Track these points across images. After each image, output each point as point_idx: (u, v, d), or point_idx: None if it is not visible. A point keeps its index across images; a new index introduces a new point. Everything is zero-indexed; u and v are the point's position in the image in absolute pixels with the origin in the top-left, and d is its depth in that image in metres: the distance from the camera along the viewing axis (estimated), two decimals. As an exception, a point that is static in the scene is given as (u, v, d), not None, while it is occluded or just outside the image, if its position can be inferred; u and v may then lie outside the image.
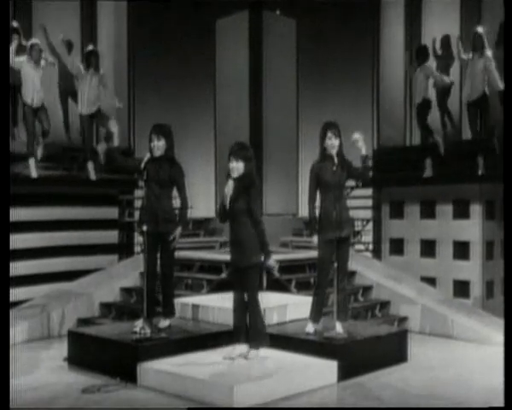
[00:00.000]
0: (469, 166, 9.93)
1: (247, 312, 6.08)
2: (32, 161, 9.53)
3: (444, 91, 10.64)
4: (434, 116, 10.73)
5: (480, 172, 9.93)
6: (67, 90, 10.59)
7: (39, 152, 9.72)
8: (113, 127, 6.81)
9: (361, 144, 6.43)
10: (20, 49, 9.58)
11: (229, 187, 5.89)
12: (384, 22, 11.85)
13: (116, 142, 6.74)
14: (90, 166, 10.16)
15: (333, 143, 6.44)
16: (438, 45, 10.84)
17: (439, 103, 10.69)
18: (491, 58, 9.71)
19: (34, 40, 9.73)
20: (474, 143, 10.13)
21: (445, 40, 10.87)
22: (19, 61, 9.47)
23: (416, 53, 10.92)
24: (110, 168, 10.04)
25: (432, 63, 10.70)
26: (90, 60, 10.19)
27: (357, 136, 6.44)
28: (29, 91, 9.57)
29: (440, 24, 11.12)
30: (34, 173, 9.51)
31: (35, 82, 9.58)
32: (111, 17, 11.57)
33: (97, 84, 10.22)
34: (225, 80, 11.44)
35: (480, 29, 9.90)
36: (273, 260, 6.28)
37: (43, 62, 9.78)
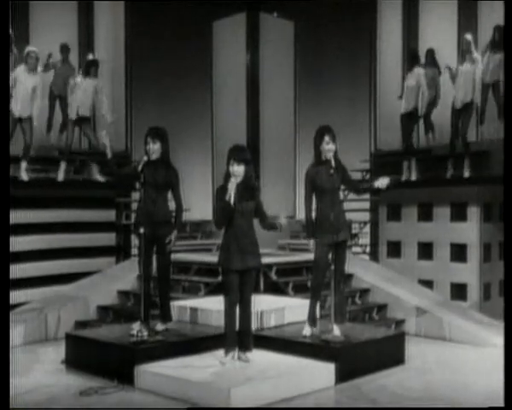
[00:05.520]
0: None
1: (241, 314, 6.09)
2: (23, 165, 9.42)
3: (429, 103, 10.56)
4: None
5: (448, 175, 10.07)
6: (57, 94, 10.50)
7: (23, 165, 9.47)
8: (105, 140, 6.69)
9: (382, 183, 6.50)
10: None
11: (233, 185, 5.81)
12: (382, 25, 11.86)
13: (109, 154, 6.64)
14: (63, 167, 10.05)
15: (330, 147, 6.43)
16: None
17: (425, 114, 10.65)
18: (480, 62, 9.80)
19: (31, 47, 9.48)
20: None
21: (430, 53, 10.71)
22: (18, 70, 9.22)
23: (408, 57, 10.89)
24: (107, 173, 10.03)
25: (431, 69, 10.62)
26: (90, 69, 10.08)
27: (385, 181, 6.49)
28: (17, 100, 9.23)
29: (438, 23, 11.12)
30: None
31: (28, 91, 9.28)
32: (108, 20, 11.58)
33: (93, 91, 10.05)
34: (222, 82, 11.45)
35: (468, 36, 9.89)
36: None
37: (39, 69, 9.51)
